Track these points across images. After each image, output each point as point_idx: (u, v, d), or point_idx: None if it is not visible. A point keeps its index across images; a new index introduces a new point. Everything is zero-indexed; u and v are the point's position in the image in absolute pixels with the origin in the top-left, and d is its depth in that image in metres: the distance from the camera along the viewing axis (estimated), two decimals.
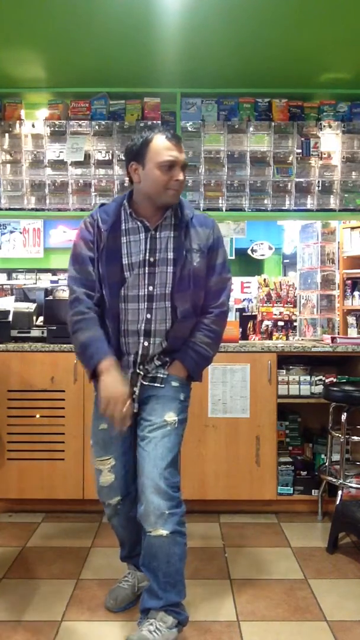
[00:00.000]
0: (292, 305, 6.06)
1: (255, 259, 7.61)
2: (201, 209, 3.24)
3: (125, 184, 3.30)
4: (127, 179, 2.13)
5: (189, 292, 1.84)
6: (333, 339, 3.12)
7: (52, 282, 8.46)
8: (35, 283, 8.33)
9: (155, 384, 1.88)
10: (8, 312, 3.17)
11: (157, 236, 1.85)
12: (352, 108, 3.35)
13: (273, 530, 2.79)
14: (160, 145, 1.78)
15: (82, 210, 3.35)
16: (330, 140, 3.32)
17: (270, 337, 5.98)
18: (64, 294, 3.41)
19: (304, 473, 3.01)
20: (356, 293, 4.73)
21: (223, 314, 1.94)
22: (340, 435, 2.78)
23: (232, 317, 5.58)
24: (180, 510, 1.79)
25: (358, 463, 3.06)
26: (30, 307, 3.18)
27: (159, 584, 1.77)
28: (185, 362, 1.89)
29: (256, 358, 2.92)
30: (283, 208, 3.34)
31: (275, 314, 6.11)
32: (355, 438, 2.88)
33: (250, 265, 8.61)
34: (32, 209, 3.38)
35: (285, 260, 9.10)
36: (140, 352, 1.86)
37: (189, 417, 1.97)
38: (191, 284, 1.83)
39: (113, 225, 1.85)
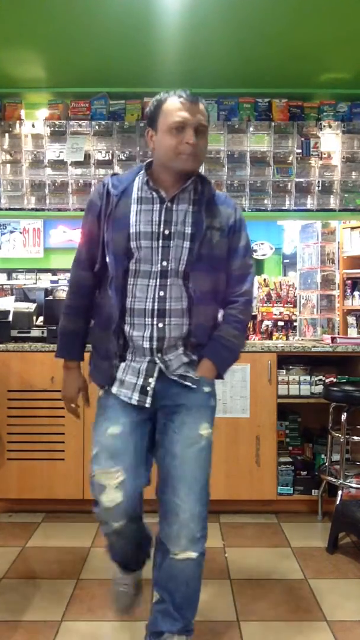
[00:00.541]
0: (292, 305, 6.05)
1: (255, 259, 7.60)
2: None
3: None
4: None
5: (207, 273, 1.66)
6: (333, 339, 3.12)
7: (52, 282, 8.45)
8: (35, 283, 8.33)
9: (186, 382, 1.66)
10: (8, 312, 3.17)
11: (174, 208, 1.66)
12: (352, 108, 3.35)
13: (273, 530, 2.79)
14: (171, 106, 1.61)
15: (82, 210, 3.34)
16: (330, 140, 3.32)
17: (270, 337, 5.97)
18: (64, 294, 3.41)
19: (304, 473, 3.01)
20: (356, 293, 4.72)
21: (249, 302, 1.76)
22: (340, 435, 2.78)
23: None
24: (207, 531, 1.67)
25: (358, 463, 3.06)
26: (30, 307, 3.18)
27: (175, 604, 1.65)
28: (214, 359, 1.69)
29: (256, 358, 2.92)
30: (283, 208, 3.34)
31: (275, 314, 6.10)
32: (355, 438, 2.88)
33: None
34: (32, 209, 3.38)
35: (285, 260, 9.09)
36: (155, 335, 1.63)
37: None
38: (210, 264, 1.66)
39: (124, 191, 1.68)
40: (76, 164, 3.32)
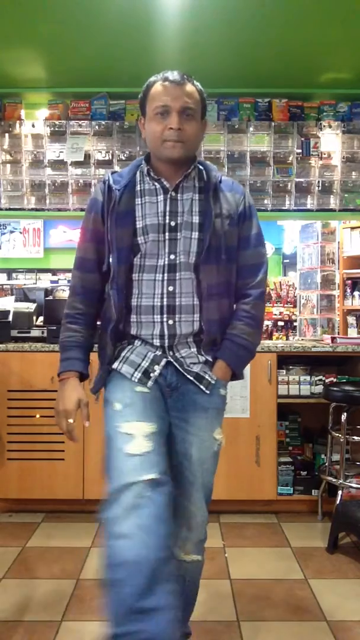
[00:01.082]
0: (292, 305, 6.05)
1: None
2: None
3: None
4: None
5: (219, 265, 1.55)
6: (333, 339, 3.12)
7: (52, 282, 8.44)
8: (35, 283, 8.33)
9: (201, 386, 1.55)
10: (8, 312, 3.17)
11: (179, 198, 1.56)
12: (352, 108, 3.36)
13: (273, 530, 2.79)
14: (155, 91, 1.53)
15: (82, 210, 3.35)
16: (330, 140, 3.32)
17: (270, 337, 5.97)
18: (64, 294, 3.41)
19: (304, 473, 3.01)
20: (356, 293, 4.72)
21: (262, 295, 1.63)
22: (340, 435, 2.78)
23: None
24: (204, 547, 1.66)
25: (358, 463, 3.06)
26: (30, 307, 3.18)
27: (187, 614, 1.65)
28: (229, 360, 1.58)
29: (256, 358, 2.87)
30: (283, 208, 3.34)
31: (275, 314, 6.10)
32: (356, 438, 2.88)
33: None
34: (32, 209, 3.38)
35: (285, 260, 9.09)
36: (166, 332, 1.53)
37: None
38: (222, 255, 1.55)
39: (127, 185, 1.58)
40: (76, 164, 3.32)
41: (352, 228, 4.69)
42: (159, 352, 1.55)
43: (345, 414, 2.73)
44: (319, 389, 3.00)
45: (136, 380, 1.50)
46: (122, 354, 1.56)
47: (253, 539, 2.69)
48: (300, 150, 3.31)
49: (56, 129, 3.32)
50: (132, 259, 1.55)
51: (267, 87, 3.27)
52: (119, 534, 1.27)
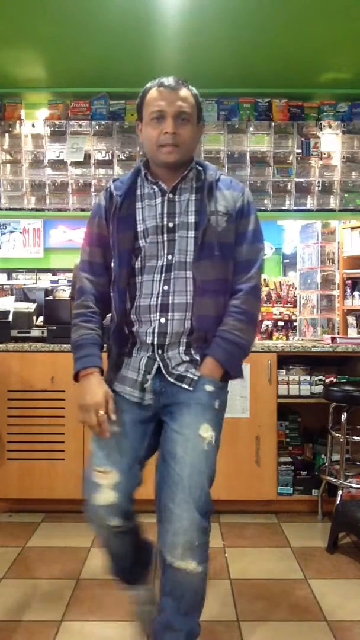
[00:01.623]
0: (292, 305, 6.05)
1: None
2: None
3: None
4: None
5: (214, 262, 1.57)
6: (333, 339, 3.12)
7: (52, 282, 8.43)
8: (35, 283, 8.32)
9: (183, 385, 1.56)
10: (8, 312, 3.17)
11: (176, 199, 1.60)
12: (352, 108, 3.36)
13: (273, 530, 2.79)
14: (150, 96, 1.58)
15: (82, 210, 3.35)
16: (330, 140, 3.32)
17: (270, 337, 5.97)
18: (64, 294, 3.41)
19: (304, 473, 3.01)
20: (356, 293, 4.72)
21: (253, 289, 1.62)
22: (340, 435, 2.78)
23: None
24: (208, 537, 1.56)
25: (358, 463, 3.06)
26: (30, 307, 3.18)
27: (179, 611, 1.53)
28: (217, 356, 1.56)
29: (256, 358, 2.92)
30: (283, 208, 3.34)
31: (275, 314, 6.10)
32: (356, 438, 2.88)
33: None
34: (32, 209, 3.38)
35: (285, 260, 9.08)
36: (157, 330, 1.56)
37: None
38: (216, 252, 1.56)
39: (127, 191, 1.63)
40: (76, 164, 3.32)
41: (352, 228, 4.69)
42: (149, 354, 1.59)
43: (345, 414, 2.73)
44: (319, 389, 3.00)
45: (137, 400, 1.58)
46: (121, 373, 1.62)
47: (253, 539, 2.69)
48: (300, 150, 3.31)
49: (56, 129, 3.32)
50: (133, 262, 1.58)
51: (267, 87, 3.27)
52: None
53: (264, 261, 1.68)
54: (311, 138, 3.31)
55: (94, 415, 1.53)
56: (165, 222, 1.58)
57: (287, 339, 5.77)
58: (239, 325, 1.58)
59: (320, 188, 3.33)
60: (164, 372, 1.57)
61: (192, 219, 1.58)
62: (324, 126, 3.31)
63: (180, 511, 1.48)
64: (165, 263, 1.57)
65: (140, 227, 1.59)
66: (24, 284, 6.63)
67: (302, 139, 3.30)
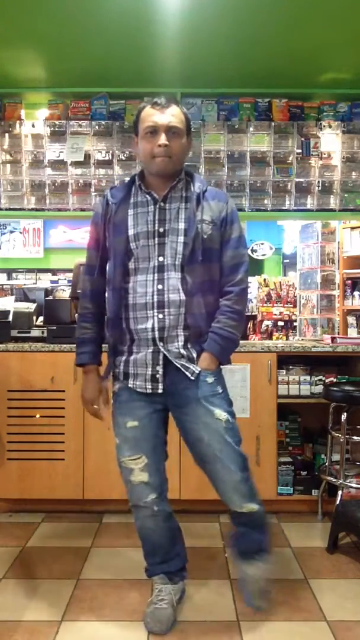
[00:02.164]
0: (292, 305, 6.06)
1: (255, 259, 7.60)
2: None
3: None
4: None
5: (202, 265, 1.78)
6: (333, 339, 3.12)
7: (52, 282, 8.44)
8: (35, 283, 8.33)
9: (187, 373, 1.81)
10: (8, 312, 3.17)
11: (167, 207, 1.81)
12: (352, 108, 3.36)
13: (273, 530, 2.78)
14: (144, 113, 1.80)
15: (82, 210, 3.35)
16: (330, 140, 3.32)
17: (270, 337, 5.97)
18: (64, 294, 3.41)
19: (304, 473, 3.01)
20: (356, 293, 4.73)
21: (242, 291, 1.88)
22: (340, 435, 2.78)
23: None
24: (252, 478, 1.92)
25: (358, 463, 3.06)
26: (30, 307, 3.18)
27: (254, 529, 1.94)
28: (213, 351, 1.83)
29: (256, 358, 2.92)
30: (283, 208, 3.34)
31: (275, 314, 6.10)
32: (355, 438, 2.88)
33: (250, 265, 8.56)
34: (32, 209, 3.38)
35: (285, 260, 9.09)
36: (156, 326, 1.78)
37: None
38: (204, 256, 1.78)
39: (122, 199, 1.84)
40: (76, 164, 3.32)
41: (352, 228, 4.70)
42: (151, 348, 1.81)
43: (345, 414, 2.73)
44: (319, 389, 3.00)
45: (150, 391, 1.84)
46: (131, 371, 1.86)
47: None
48: (300, 150, 3.31)
49: (56, 129, 3.33)
50: (126, 263, 1.80)
51: (267, 87, 3.27)
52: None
53: (248, 263, 1.91)
54: (311, 138, 3.31)
55: (90, 407, 1.93)
56: (156, 228, 1.79)
57: (287, 339, 5.78)
58: (231, 322, 1.84)
59: (320, 188, 3.34)
60: (170, 359, 1.80)
61: (182, 225, 1.79)
62: (324, 126, 3.31)
63: (227, 478, 1.85)
64: (157, 264, 1.79)
65: (131, 232, 1.80)
66: (24, 284, 6.64)
67: (302, 139, 3.30)
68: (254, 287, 6.47)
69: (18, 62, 3.05)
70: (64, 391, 2.90)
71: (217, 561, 2.44)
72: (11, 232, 9.30)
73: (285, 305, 6.14)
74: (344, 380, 3.06)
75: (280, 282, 6.43)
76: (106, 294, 1.89)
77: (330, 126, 3.32)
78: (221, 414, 1.83)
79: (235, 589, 2.19)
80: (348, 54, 2.92)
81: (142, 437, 1.86)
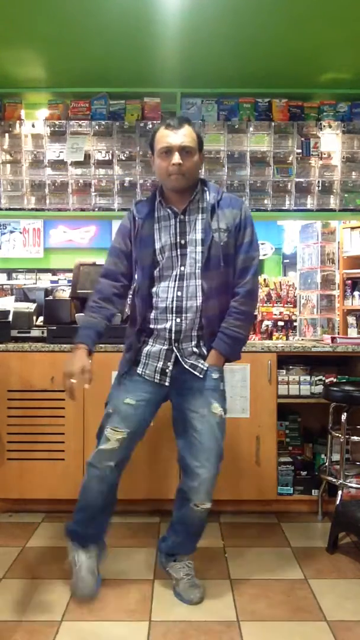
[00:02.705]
0: (292, 305, 6.06)
1: None
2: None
3: (126, 185, 3.31)
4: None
5: (218, 271, 1.96)
6: (333, 339, 3.12)
7: (52, 282, 8.45)
8: (35, 283, 8.33)
9: (195, 372, 2.00)
10: (8, 312, 3.17)
11: (187, 220, 1.99)
12: (352, 108, 3.36)
13: (273, 530, 2.79)
14: (160, 135, 1.94)
15: (82, 210, 3.35)
16: (330, 140, 3.32)
17: (270, 337, 5.97)
18: (64, 294, 3.41)
19: (304, 473, 3.01)
20: (356, 293, 4.73)
21: (250, 292, 2.02)
22: (340, 435, 2.78)
23: None
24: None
25: (358, 463, 3.06)
26: (30, 307, 3.18)
27: (190, 540, 2.16)
28: (221, 349, 2.01)
29: (256, 358, 2.92)
30: (283, 208, 3.34)
31: (275, 314, 6.10)
32: (355, 438, 2.88)
33: None
34: (32, 209, 3.38)
35: (285, 260, 9.09)
36: (173, 328, 1.98)
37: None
38: (220, 263, 1.96)
39: (148, 214, 2.02)
40: (76, 164, 3.32)
41: (352, 228, 4.70)
42: (167, 346, 2.01)
43: (345, 414, 2.73)
44: (319, 389, 3.00)
45: (157, 381, 2.03)
46: (143, 360, 2.04)
47: (253, 539, 2.69)
48: (300, 150, 3.30)
49: (56, 129, 3.32)
50: (153, 273, 2.00)
51: (267, 87, 3.27)
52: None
53: (258, 266, 2.07)
54: (311, 138, 3.30)
55: (68, 381, 1.91)
56: (178, 240, 1.98)
57: (287, 339, 5.78)
58: (238, 322, 2.01)
59: (320, 188, 3.33)
60: (180, 360, 2.00)
61: (199, 236, 1.97)
62: (324, 126, 3.31)
63: (202, 470, 2.00)
64: (178, 273, 1.98)
65: (157, 245, 1.99)
66: (24, 284, 6.64)
67: (302, 139, 3.30)
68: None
69: (18, 62, 3.05)
70: (64, 391, 2.88)
71: (217, 561, 2.44)
72: (11, 232, 9.30)
73: (285, 305, 6.14)
74: (344, 380, 3.06)
75: (280, 282, 6.43)
76: (135, 301, 2.06)
77: (330, 126, 3.31)
78: (218, 408, 2.02)
79: (236, 589, 2.20)
80: (348, 54, 2.92)
81: (133, 415, 2.03)
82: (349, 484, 2.81)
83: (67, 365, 1.93)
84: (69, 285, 3.64)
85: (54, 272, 9.21)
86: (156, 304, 2.00)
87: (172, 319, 1.98)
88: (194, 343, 2.01)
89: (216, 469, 2.04)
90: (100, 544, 2.15)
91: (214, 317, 1.99)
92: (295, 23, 2.61)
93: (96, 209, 3.34)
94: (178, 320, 1.98)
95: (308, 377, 3.03)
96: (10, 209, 3.37)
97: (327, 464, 2.94)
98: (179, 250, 1.97)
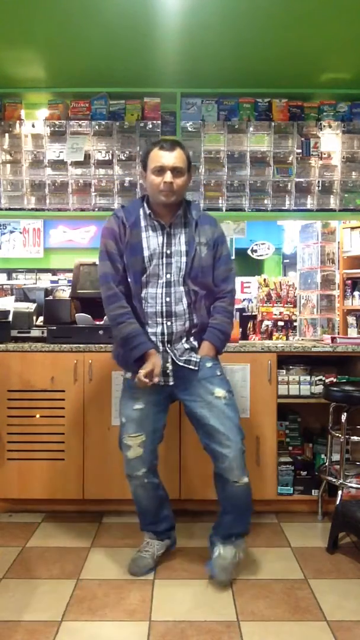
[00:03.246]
0: (292, 305, 6.06)
1: (255, 259, 7.61)
2: (201, 209, 3.25)
3: (126, 185, 3.32)
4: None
5: (200, 279, 2.18)
6: (333, 339, 3.12)
7: (52, 282, 8.46)
8: (35, 283, 8.34)
9: (190, 366, 2.18)
10: (8, 312, 3.17)
11: (172, 233, 2.19)
12: (352, 108, 3.35)
13: (273, 530, 2.79)
14: (154, 154, 2.13)
15: (82, 210, 3.35)
16: (330, 140, 3.32)
17: (270, 337, 5.98)
18: (64, 294, 3.41)
19: (304, 473, 3.01)
20: (356, 293, 4.73)
21: (233, 295, 2.32)
22: (340, 435, 2.78)
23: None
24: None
25: (358, 463, 3.06)
26: (30, 307, 3.18)
27: (242, 515, 2.26)
28: (212, 340, 2.22)
29: (256, 358, 2.92)
30: (283, 208, 3.34)
31: (275, 314, 6.11)
32: (355, 438, 2.88)
33: (250, 265, 8.62)
34: (32, 209, 3.38)
35: (285, 260, 9.10)
36: (165, 331, 2.17)
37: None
38: (200, 272, 2.18)
39: (135, 222, 2.18)
40: (76, 164, 3.32)
41: (352, 228, 4.70)
42: (161, 348, 2.17)
43: (345, 414, 2.73)
44: (319, 389, 3.00)
45: (162, 383, 2.18)
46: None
47: (253, 539, 2.69)
48: (300, 150, 3.31)
49: (56, 129, 3.32)
50: (141, 279, 2.16)
51: (267, 87, 3.27)
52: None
53: (235, 273, 2.37)
54: (311, 138, 3.30)
55: (156, 378, 2.13)
56: (164, 250, 2.17)
57: (287, 339, 5.79)
58: (226, 319, 2.26)
59: (320, 188, 3.33)
60: (175, 359, 2.18)
61: (184, 248, 2.19)
62: (324, 126, 3.31)
63: (227, 450, 2.14)
64: (165, 280, 2.17)
65: (146, 253, 2.15)
66: (24, 284, 6.65)
67: (302, 139, 3.30)
68: (254, 287, 6.47)
69: (18, 62, 3.05)
70: (64, 391, 2.90)
71: None
72: (11, 232, 9.30)
73: (285, 305, 6.14)
74: (344, 380, 3.06)
75: (280, 282, 6.43)
76: (134, 304, 2.16)
77: (330, 126, 3.31)
78: (220, 391, 2.18)
79: (236, 589, 2.20)
80: (348, 54, 2.92)
81: (145, 418, 2.22)
82: (349, 484, 2.81)
83: (156, 368, 2.13)
84: (69, 285, 3.64)
85: (54, 272, 9.21)
86: (146, 308, 2.17)
87: (162, 323, 2.17)
88: (184, 340, 2.21)
89: (240, 445, 2.15)
90: (172, 537, 2.43)
91: (202, 317, 2.22)
92: (295, 23, 2.61)
93: (96, 209, 3.34)
94: (168, 323, 2.17)
95: (308, 377, 3.03)
96: (10, 209, 3.37)
97: (327, 464, 2.94)
98: (164, 259, 2.17)
